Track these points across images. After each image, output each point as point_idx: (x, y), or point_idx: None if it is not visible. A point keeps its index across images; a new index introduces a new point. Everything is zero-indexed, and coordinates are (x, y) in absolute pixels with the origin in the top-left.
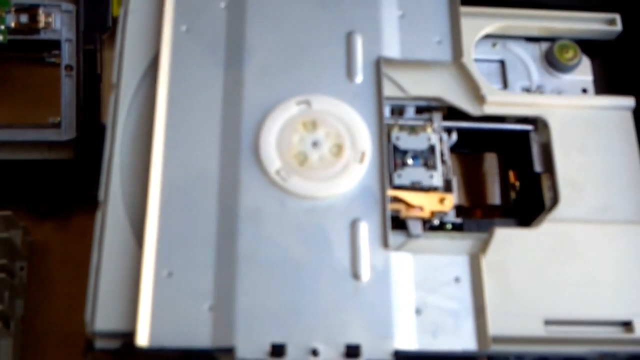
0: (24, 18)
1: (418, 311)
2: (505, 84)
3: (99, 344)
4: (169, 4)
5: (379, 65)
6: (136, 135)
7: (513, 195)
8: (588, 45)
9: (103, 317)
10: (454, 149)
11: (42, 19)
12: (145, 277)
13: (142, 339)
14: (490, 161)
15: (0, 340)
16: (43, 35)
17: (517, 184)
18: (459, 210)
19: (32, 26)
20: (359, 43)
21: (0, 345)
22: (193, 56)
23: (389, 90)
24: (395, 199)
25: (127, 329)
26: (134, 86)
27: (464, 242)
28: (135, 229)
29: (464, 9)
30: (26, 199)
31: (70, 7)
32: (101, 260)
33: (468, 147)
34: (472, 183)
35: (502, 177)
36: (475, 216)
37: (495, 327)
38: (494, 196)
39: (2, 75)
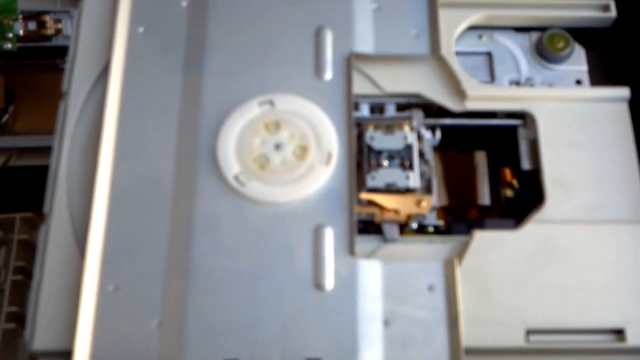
0: (32, 25)
1: (386, 322)
2: (492, 77)
3: None
4: (125, 5)
5: (349, 62)
6: (87, 145)
7: (510, 193)
8: (583, 34)
9: (43, 336)
10: (441, 147)
11: (51, 25)
12: (87, 291)
13: (82, 358)
14: (480, 159)
15: (18, 340)
16: (55, 42)
17: (515, 182)
18: (448, 211)
19: (41, 33)
20: (329, 38)
21: (18, 346)
22: (149, 58)
23: (365, 88)
24: (369, 203)
25: (69, 347)
26: (85, 93)
27: (442, 247)
28: (81, 243)
29: (443, 0)
30: None
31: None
32: (43, 276)
33: (457, 145)
34: (461, 182)
35: (493, 176)
36: (470, 217)
37: (471, 338)
38: (484, 196)
39: (20, 82)
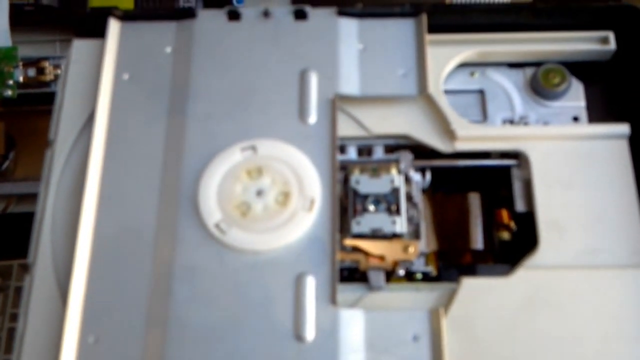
0: (31, 72)
1: None
2: (485, 116)
3: None
4: (112, 52)
5: (334, 104)
6: (72, 193)
7: (507, 236)
8: (581, 68)
9: None
10: (433, 189)
11: (50, 71)
12: (68, 342)
13: None
14: (473, 201)
15: None
16: (53, 88)
17: (512, 224)
18: (441, 256)
19: (40, 79)
20: (313, 81)
21: None
22: (134, 104)
23: (351, 130)
24: (354, 249)
25: None
26: (71, 141)
27: (430, 295)
28: (65, 293)
29: (432, 37)
30: None
31: None
32: (27, 327)
33: (450, 187)
34: (453, 226)
35: (487, 219)
36: (464, 262)
37: None
38: (477, 240)
39: (21, 128)
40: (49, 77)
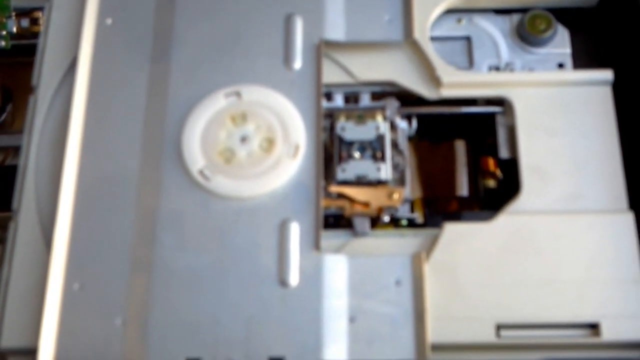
0: (25, 22)
1: (352, 319)
2: (471, 63)
3: None
4: None
5: (319, 49)
6: (55, 140)
7: (493, 184)
8: (567, 15)
9: (10, 334)
10: (420, 137)
11: (43, 21)
12: (52, 290)
13: (46, 356)
14: (459, 149)
15: None
16: None
17: (498, 171)
18: (428, 204)
19: (34, 30)
20: (298, 26)
21: None
22: (117, 50)
23: (336, 76)
24: (340, 196)
25: (36, 345)
26: (54, 87)
27: (413, 241)
28: (49, 240)
29: None
30: None
31: None
32: (11, 274)
33: (437, 134)
34: (439, 174)
35: (473, 166)
36: (450, 209)
37: (438, 333)
38: (462, 187)
39: (17, 80)
40: (42, 27)
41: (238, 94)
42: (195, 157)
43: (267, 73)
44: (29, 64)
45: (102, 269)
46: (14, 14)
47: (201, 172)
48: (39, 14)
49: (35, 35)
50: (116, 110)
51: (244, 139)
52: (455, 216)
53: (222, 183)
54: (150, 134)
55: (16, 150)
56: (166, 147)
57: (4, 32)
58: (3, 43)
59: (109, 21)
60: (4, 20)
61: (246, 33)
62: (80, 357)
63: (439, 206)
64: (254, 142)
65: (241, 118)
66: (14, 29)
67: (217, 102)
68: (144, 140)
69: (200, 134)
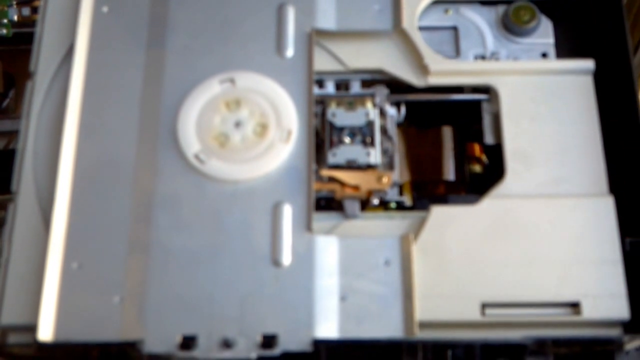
0: (26, 11)
1: (342, 297)
2: (458, 52)
3: (12, 338)
4: None
5: (311, 38)
6: (53, 125)
7: (479, 169)
8: (551, 6)
9: (10, 311)
10: (408, 123)
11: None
12: (51, 268)
13: (46, 333)
14: (446, 135)
15: None
16: None
17: (484, 157)
18: (416, 187)
19: (35, 18)
20: (290, 15)
21: None
22: (113, 37)
23: (327, 64)
24: (330, 179)
25: (36, 322)
26: (52, 73)
27: (402, 223)
28: (48, 221)
29: None
30: None
31: None
32: (11, 253)
33: (425, 121)
34: (427, 159)
35: (459, 152)
36: (437, 193)
37: (425, 312)
38: (449, 172)
39: (19, 67)
40: (39, 15)
41: (232, 81)
42: (191, 141)
43: (260, 60)
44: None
45: (100, 248)
46: (15, 2)
47: (196, 156)
48: (39, 3)
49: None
50: (113, 95)
51: (238, 124)
52: (443, 199)
53: (216, 166)
54: (146, 118)
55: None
56: (162, 131)
57: (6, 20)
58: (5, 31)
59: (105, 9)
60: (6, 8)
61: (240, 21)
62: (78, 333)
63: (426, 190)
64: (247, 127)
65: (235, 104)
66: (15, 17)
67: (212, 88)
68: (140, 124)
69: (195, 119)
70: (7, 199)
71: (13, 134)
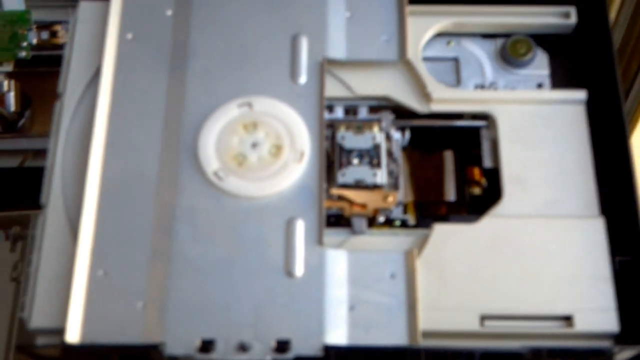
0: (45, 35)
1: (351, 307)
2: (459, 82)
3: (40, 340)
4: (116, 14)
5: (323, 66)
6: (80, 142)
7: (478, 191)
8: (547, 40)
9: (39, 315)
10: (412, 147)
11: (62, 34)
12: (79, 276)
13: (73, 336)
14: (447, 159)
15: None
16: None
17: (483, 180)
18: (419, 207)
19: (53, 42)
20: (304, 45)
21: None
22: (138, 62)
23: (338, 91)
24: (340, 198)
25: (63, 326)
26: (79, 95)
27: (406, 239)
28: (75, 231)
29: (412, 8)
30: None
31: None
32: (40, 261)
33: (427, 145)
34: (429, 180)
35: (459, 174)
36: (439, 213)
37: (428, 322)
38: (450, 193)
39: (36, 88)
40: (61, 40)
41: (249, 105)
42: (211, 159)
43: (276, 86)
44: (48, 73)
45: (125, 257)
46: (34, 26)
47: (215, 174)
48: (58, 27)
49: (54, 46)
50: (137, 115)
51: (254, 145)
52: (444, 219)
53: (234, 183)
54: (169, 137)
55: (34, 153)
56: (183, 149)
57: (25, 43)
58: (24, 53)
59: (129, 36)
60: (26, 32)
61: (257, 50)
62: (104, 336)
63: (429, 210)
64: (263, 148)
65: (252, 126)
66: (35, 41)
67: (231, 111)
68: (163, 143)
69: (215, 139)
70: (22, 214)
71: (28, 152)
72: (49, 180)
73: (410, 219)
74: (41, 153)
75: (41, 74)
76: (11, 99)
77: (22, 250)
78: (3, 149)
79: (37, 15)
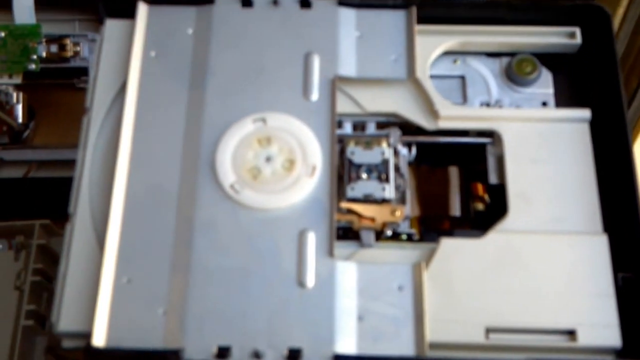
0: (54, 48)
1: (360, 318)
2: (465, 99)
3: (66, 343)
4: (140, 32)
5: (334, 84)
6: (106, 154)
7: (481, 207)
8: (551, 59)
9: (67, 319)
10: (417, 163)
11: (70, 48)
12: (104, 283)
13: (99, 340)
14: (453, 174)
15: (35, 338)
16: (73, 63)
17: (487, 196)
18: (423, 222)
19: (61, 55)
20: (316, 63)
21: (36, 343)
22: (160, 79)
23: (347, 107)
24: (349, 211)
25: (89, 330)
26: (105, 110)
27: (413, 252)
28: (101, 240)
29: (420, 28)
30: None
31: (97, 36)
32: (68, 268)
33: (433, 161)
34: (434, 195)
35: (464, 190)
36: (443, 228)
37: (435, 334)
38: (455, 208)
39: (41, 100)
40: (69, 53)
41: (264, 120)
42: (227, 173)
43: (289, 103)
44: (53, 85)
45: (148, 266)
46: (44, 40)
47: (232, 187)
48: (67, 41)
49: (62, 59)
50: (159, 130)
51: (268, 159)
52: (448, 233)
53: (249, 196)
54: (188, 152)
55: (39, 164)
56: (202, 163)
57: (35, 56)
58: (34, 66)
59: (152, 53)
60: (36, 45)
61: (270, 67)
62: (127, 339)
63: (433, 224)
64: (277, 162)
65: (266, 141)
66: (44, 54)
67: (246, 127)
68: (182, 157)
69: (231, 154)
70: (26, 224)
71: (32, 163)
72: (77, 190)
73: (415, 233)
74: (45, 164)
75: (46, 86)
76: (19, 110)
77: (26, 259)
78: (8, 160)
79: (47, 29)
